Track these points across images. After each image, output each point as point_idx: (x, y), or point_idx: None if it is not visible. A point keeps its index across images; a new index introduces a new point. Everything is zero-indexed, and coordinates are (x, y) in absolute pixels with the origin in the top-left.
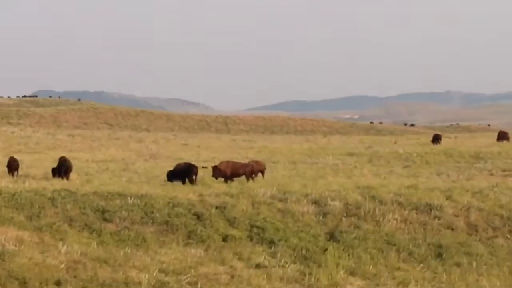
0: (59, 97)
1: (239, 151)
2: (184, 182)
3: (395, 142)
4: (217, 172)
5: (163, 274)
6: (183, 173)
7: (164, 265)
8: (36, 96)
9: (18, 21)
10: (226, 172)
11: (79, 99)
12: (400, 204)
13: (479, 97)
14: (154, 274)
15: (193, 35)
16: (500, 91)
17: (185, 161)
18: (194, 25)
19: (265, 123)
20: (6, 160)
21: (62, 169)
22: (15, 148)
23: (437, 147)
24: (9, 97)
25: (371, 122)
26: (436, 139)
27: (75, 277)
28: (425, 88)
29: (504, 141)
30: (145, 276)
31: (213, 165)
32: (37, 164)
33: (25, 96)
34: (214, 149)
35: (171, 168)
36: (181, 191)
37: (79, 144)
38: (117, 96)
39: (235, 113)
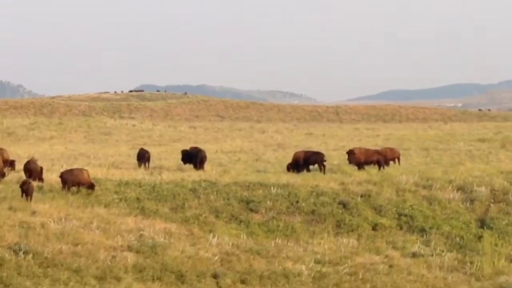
0: (165, 91)
1: (366, 139)
2: (309, 169)
3: None
4: (352, 157)
5: (319, 265)
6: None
7: (318, 256)
8: (142, 91)
9: (120, 18)
10: (359, 159)
11: (185, 93)
12: None
13: None
14: (310, 265)
15: (292, 29)
16: None
17: (314, 150)
18: (285, 21)
19: (376, 112)
20: (134, 152)
21: (197, 159)
22: (139, 140)
23: None
24: (115, 92)
25: (479, 110)
26: None
27: (230, 269)
28: None
29: None
30: (302, 267)
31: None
32: (166, 156)
33: (131, 91)
34: (340, 137)
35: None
36: (322, 180)
37: (203, 135)
38: (219, 89)
39: (340, 104)
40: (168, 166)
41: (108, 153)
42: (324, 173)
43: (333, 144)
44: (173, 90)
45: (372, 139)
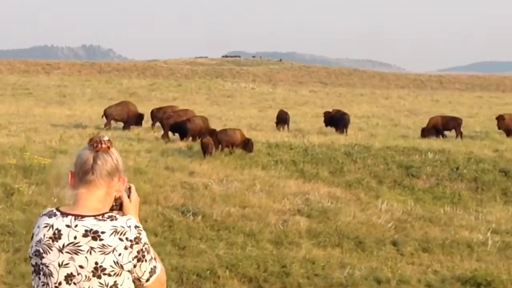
0: (260, 57)
1: (496, 107)
2: (444, 135)
3: None
4: (502, 123)
5: (497, 235)
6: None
7: (493, 225)
8: (239, 56)
9: None
10: (509, 125)
11: (280, 60)
12: None
13: None
14: (488, 235)
15: None
16: None
17: (448, 115)
18: None
19: (480, 82)
20: (264, 114)
21: (341, 123)
22: (264, 103)
23: None
24: (206, 57)
25: None
26: None
27: (407, 236)
28: None
29: None
30: (479, 237)
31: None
32: (299, 119)
33: (225, 56)
34: (469, 105)
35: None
36: (474, 147)
37: (326, 100)
38: (308, 57)
39: (433, 73)
40: (307, 129)
41: (240, 115)
42: (461, 138)
43: (465, 111)
44: (263, 56)
45: (502, 107)
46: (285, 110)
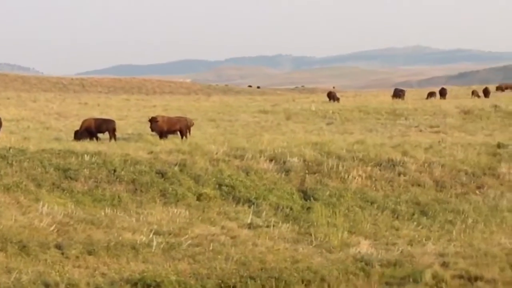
0: None
1: (144, 109)
2: (98, 138)
3: (294, 100)
4: (155, 125)
5: (160, 236)
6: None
7: (155, 227)
8: None
9: None
10: (162, 127)
11: None
12: (361, 160)
13: (308, 61)
14: (150, 236)
15: None
16: (330, 54)
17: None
18: None
19: (122, 85)
20: None
21: None
22: None
23: (345, 104)
24: None
25: (226, 85)
26: (332, 97)
27: (71, 239)
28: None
29: (399, 99)
30: (142, 238)
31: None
32: None
33: None
34: (118, 107)
35: None
36: (129, 149)
37: None
38: None
39: (74, 76)
40: None
41: None
42: (115, 140)
43: (115, 114)
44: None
45: (150, 109)
46: None
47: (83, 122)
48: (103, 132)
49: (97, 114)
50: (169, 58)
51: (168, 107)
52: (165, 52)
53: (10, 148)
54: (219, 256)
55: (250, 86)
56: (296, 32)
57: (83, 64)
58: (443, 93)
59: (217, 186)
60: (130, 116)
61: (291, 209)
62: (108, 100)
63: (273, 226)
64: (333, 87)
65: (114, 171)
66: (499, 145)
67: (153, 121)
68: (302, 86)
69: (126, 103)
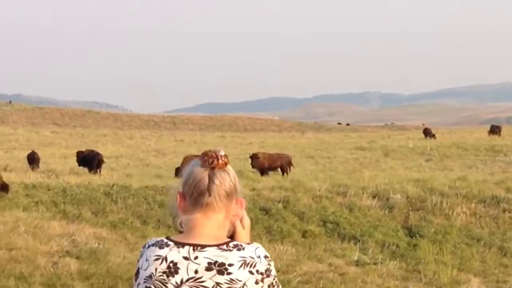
0: None
1: (241, 146)
2: None
3: (389, 137)
4: (256, 162)
5: None
6: None
7: None
8: None
9: None
10: (263, 163)
11: (10, 102)
12: (464, 197)
13: (396, 98)
14: None
15: None
16: (417, 91)
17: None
18: None
19: (213, 123)
20: (10, 155)
21: (94, 162)
22: (8, 144)
23: (441, 141)
24: None
25: (315, 122)
26: (428, 133)
27: None
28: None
29: (496, 135)
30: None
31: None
32: (47, 160)
33: None
34: (214, 144)
35: None
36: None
37: (70, 140)
38: (35, 99)
39: (165, 114)
40: (59, 169)
41: None
42: None
43: None
44: None
45: (247, 146)
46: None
47: (184, 158)
48: None
49: (194, 151)
50: (255, 96)
51: (265, 144)
52: (250, 90)
53: (113, 185)
54: None
55: (339, 123)
56: (383, 69)
57: (169, 102)
58: None
59: (321, 223)
60: (228, 153)
61: (397, 246)
62: (203, 137)
63: (381, 263)
64: (423, 124)
65: None
66: None
67: (254, 157)
68: (392, 123)
69: (222, 140)
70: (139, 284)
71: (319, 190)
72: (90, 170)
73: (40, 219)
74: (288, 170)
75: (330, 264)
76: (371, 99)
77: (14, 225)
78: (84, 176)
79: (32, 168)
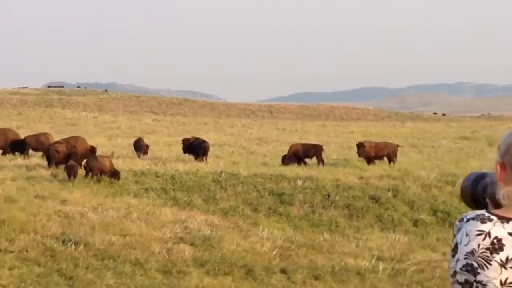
0: (85, 88)
1: (343, 135)
2: (306, 163)
3: (491, 127)
4: (363, 150)
5: (383, 262)
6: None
7: (376, 252)
8: (62, 86)
9: None
10: (370, 152)
11: (105, 90)
12: None
13: (491, 88)
14: (373, 262)
15: None
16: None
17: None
18: None
19: (310, 112)
20: (114, 142)
21: (200, 150)
22: (111, 132)
23: None
24: (26, 87)
25: (411, 112)
26: None
27: (295, 264)
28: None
29: None
30: (365, 264)
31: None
32: (151, 147)
33: (50, 87)
34: (315, 133)
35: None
36: (338, 174)
37: (172, 128)
38: (129, 88)
39: (258, 103)
40: (164, 157)
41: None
42: (323, 165)
43: (314, 139)
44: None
45: (349, 135)
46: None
47: (291, 147)
48: (310, 157)
49: (296, 140)
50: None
51: (366, 133)
52: (341, 80)
53: (221, 172)
54: (443, 283)
55: (435, 113)
56: (477, 59)
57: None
58: None
59: (431, 212)
60: (331, 141)
61: None
62: (304, 126)
63: None
64: None
65: (328, 196)
66: None
67: (360, 146)
68: (488, 113)
69: (323, 129)
70: (458, 260)
71: (428, 179)
72: (196, 158)
73: (152, 205)
74: (394, 159)
75: (444, 254)
76: (465, 89)
77: (126, 211)
78: (191, 163)
79: (139, 156)
